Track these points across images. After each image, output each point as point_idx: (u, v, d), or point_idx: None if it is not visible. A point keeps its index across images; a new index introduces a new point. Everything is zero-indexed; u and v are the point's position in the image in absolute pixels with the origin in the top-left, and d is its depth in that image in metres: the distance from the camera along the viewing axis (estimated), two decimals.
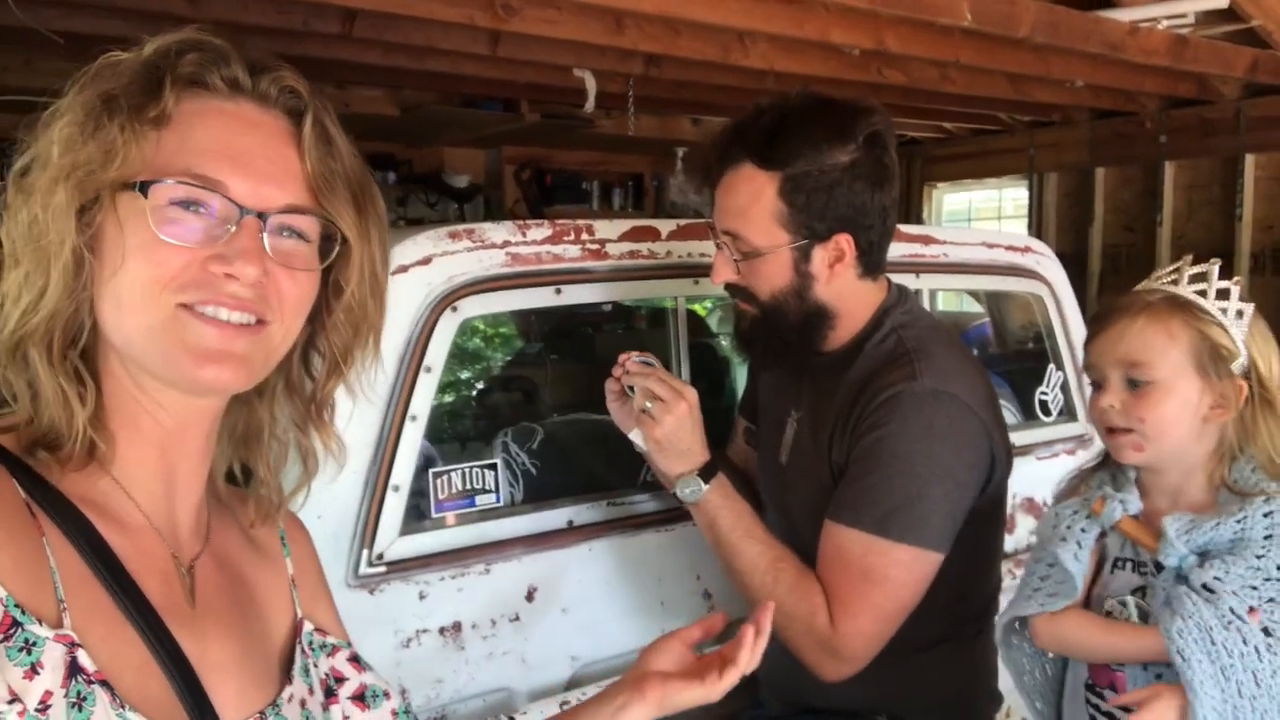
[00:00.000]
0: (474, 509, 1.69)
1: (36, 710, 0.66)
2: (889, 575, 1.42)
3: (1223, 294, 1.29)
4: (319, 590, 0.97)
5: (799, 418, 1.63)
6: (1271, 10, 4.03)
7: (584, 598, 1.77)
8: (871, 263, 1.54)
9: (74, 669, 0.68)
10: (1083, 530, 1.35)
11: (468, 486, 1.68)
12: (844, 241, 1.49)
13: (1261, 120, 4.53)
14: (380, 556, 1.56)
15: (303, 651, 0.89)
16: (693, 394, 1.54)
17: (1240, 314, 1.29)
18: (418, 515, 1.63)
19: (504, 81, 4.28)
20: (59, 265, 0.73)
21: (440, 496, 1.65)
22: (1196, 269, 1.31)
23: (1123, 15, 3.88)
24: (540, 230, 1.77)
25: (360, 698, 0.92)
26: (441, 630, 1.62)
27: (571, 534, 1.77)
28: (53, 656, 0.68)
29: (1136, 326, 1.29)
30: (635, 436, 1.58)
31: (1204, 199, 4.78)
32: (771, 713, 1.71)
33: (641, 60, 3.99)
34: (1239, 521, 1.24)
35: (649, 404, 1.51)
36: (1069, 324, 2.56)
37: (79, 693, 0.68)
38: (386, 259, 0.86)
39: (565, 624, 1.75)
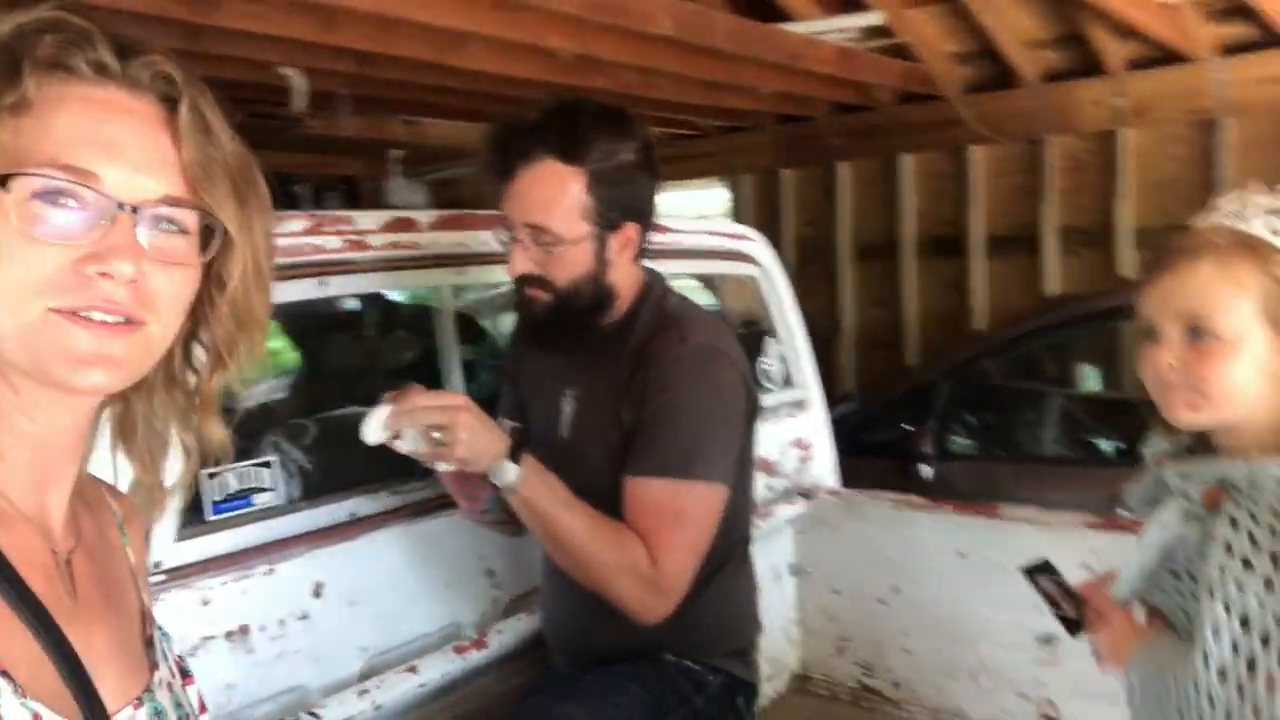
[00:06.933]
0: (253, 509, 1.63)
1: None
2: (694, 511, 1.59)
3: None
4: (147, 578, 0.94)
5: (576, 394, 1.73)
6: (915, 29, 4.68)
7: (371, 589, 1.76)
8: (644, 248, 1.71)
9: None
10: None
11: (244, 486, 1.62)
12: (632, 230, 1.65)
13: (913, 125, 5.23)
14: (157, 565, 1.47)
15: (158, 638, 0.89)
16: (462, 396, 1.52)
17: None
18: (193, 519, 1.55)
19: (205, 79, 4.03)
20: None
21: (215, 498, 1.58)
22: (1267, 199, 1.11)
23: (800, 28, 4.37)
24: (298, 222, 1.74)
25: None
26: (228, 635, 1.55)
27: (354, 526, 1.75)
28: None
29: (1200, 273, 1.09)
30: (441, 467, 1.52)
31: (874, 194, 5.43)
32: (562, 672, 1.80)
33: (353, 59, 3.90)
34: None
35: (436, 435, 1.45)
36: (783, 300, 2.86)
37: None
38: (271, 250, 0.83)
39: (354, 617, 1.73)
